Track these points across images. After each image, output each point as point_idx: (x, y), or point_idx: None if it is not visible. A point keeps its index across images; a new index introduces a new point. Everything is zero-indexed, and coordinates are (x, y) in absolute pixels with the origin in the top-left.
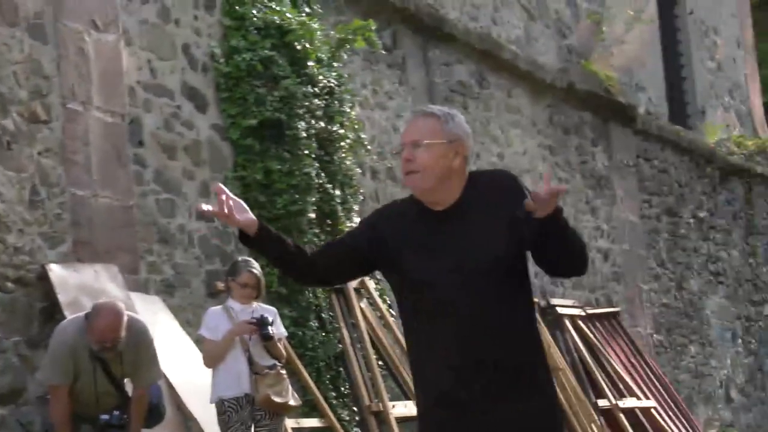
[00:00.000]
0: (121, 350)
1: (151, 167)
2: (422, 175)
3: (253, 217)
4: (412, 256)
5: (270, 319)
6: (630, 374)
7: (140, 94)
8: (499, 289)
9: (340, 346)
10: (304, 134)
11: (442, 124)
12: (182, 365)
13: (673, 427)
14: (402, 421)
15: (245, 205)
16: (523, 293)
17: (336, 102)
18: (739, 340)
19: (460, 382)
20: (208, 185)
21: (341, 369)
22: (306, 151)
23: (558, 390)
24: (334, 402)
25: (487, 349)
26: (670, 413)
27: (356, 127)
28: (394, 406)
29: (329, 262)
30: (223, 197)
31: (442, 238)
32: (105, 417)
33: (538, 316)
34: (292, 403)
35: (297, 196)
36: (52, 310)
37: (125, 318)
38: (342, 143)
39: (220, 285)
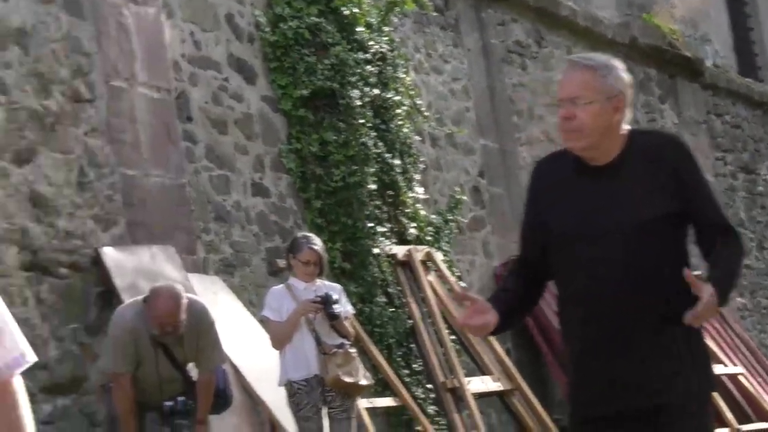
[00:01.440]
0: (182, 334)
1: (202, 143)
2: (581, 134)
3: (495, 312)
4: (568, 212)
5: (335, 297)
6: (715, 340)
7: (186, 68)
8: (652, 249)
9: (410, 321)
10: (358, 102)
11: (600, 78)
12: (247, 347)
13: (762, 393)
14: (480, 397)
15: (484, 301)
16: (676, 256)
17: (389, 68)
18: None
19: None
20: (262, 159)
21: (412, 345)
22: (361, 120)
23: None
24: (407, 380)
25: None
26: (759, 379)
27: (412, 93)
28: (470, 382)
29: (538, 270)
30: (471, 304)
31: (598, 195)
32: (169, 404)
33: None
34: (363, 382)
35: (355, 167)
36: (109, 295)
37: (184, 300)
38: (398, 110)
39: (281, 263)
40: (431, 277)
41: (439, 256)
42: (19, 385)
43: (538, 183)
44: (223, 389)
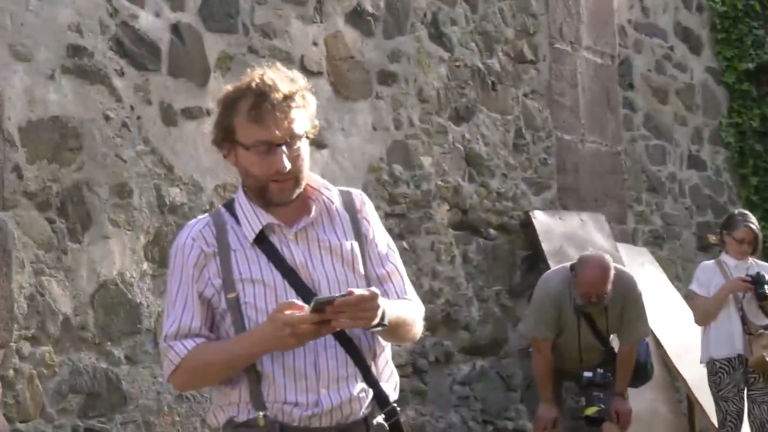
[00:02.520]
0: (606, 305)
1: (641, 111)
2: None
3: None
4: None
5: (767, 277)
6: None
7: (631, 34)
8: None
9: None
10: None
11: None
12: (670, 322)
13: None
14: None
15: None
16: None
17: None
18: None
19: None
20: (701, 132)
21: None
22: None
23: None
24: None
25: None
26: None
27: None
28: None
29: None
30: None
31: None
32: (588, 375)
33: None
34: None
35: None
36: (534, 259)
37: (612, 271)
38: None
39: (713, 238)
40: None
41: None
42: None
43: None
44: (644, 363)
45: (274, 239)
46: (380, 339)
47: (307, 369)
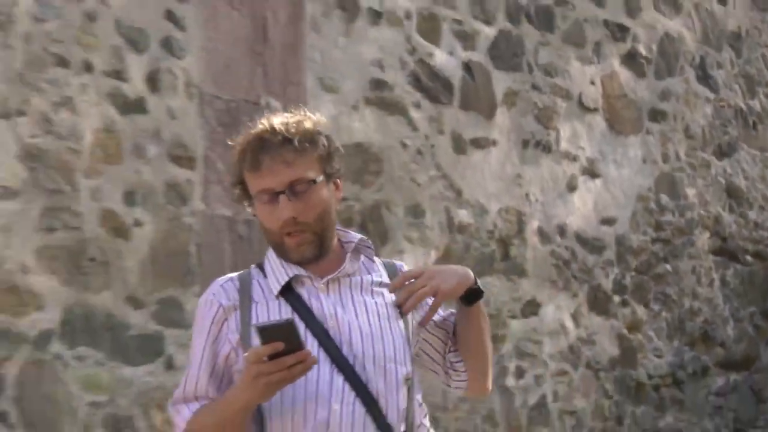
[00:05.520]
0: None
1: None
2: None
3: None
4: None
5: None
6: None
7: None
8: None
9: None
10: None
11: None
12: None
13: None
14: None
15: None
16: None
17: None
18: None
19: None
20: None
21: None
22: None
23: None
24: None
25: None
26: None
27: None
28: None
29: None
30: None
31: None
32: None
33: None
34: None
35: None
36: None
37: None
38: None
39: None
40: None
41: None
42: None
43: None
44: None
45: (302, 291)
46: (421, 405)
47: (319, 429)
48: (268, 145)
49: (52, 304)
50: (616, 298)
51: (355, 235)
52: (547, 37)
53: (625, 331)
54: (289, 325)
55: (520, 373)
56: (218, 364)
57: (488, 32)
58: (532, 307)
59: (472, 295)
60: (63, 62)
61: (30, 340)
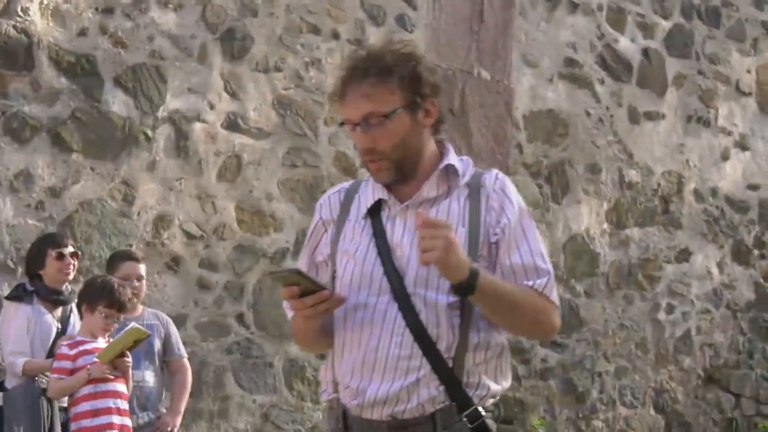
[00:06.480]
0: None
1: None
2: None
3: None
4: None
5: None
6: None
7: None
8: None
9: None
10: None
11: None
12: None
13: None
14: None
15: None
16: None
17: None
18: None
19: None
20: None
21: None
22: None
23: None
24: None
25: None
26: None
27: None
28: None
29: None
30: None
31: None
32: None
33: None
34: None
35: None
36: None
37: None
38: None
39: None
40: None
41: None
42: None
43: None
44: None
45: (383, 214)
46: (484, 331)
47: (367, 354)
48: (352, 76)
49: (289, 227)
50: (756, 252)
51: (452, 158)
52: (713, 32)
53: (761, 280)
54: (296, 273)
55: (670, 309)
56: (314, 269)
57: (665, 25)
58: (684, 255)
59: (461, 289)
60: (315, 30)
61: (268, 255)
